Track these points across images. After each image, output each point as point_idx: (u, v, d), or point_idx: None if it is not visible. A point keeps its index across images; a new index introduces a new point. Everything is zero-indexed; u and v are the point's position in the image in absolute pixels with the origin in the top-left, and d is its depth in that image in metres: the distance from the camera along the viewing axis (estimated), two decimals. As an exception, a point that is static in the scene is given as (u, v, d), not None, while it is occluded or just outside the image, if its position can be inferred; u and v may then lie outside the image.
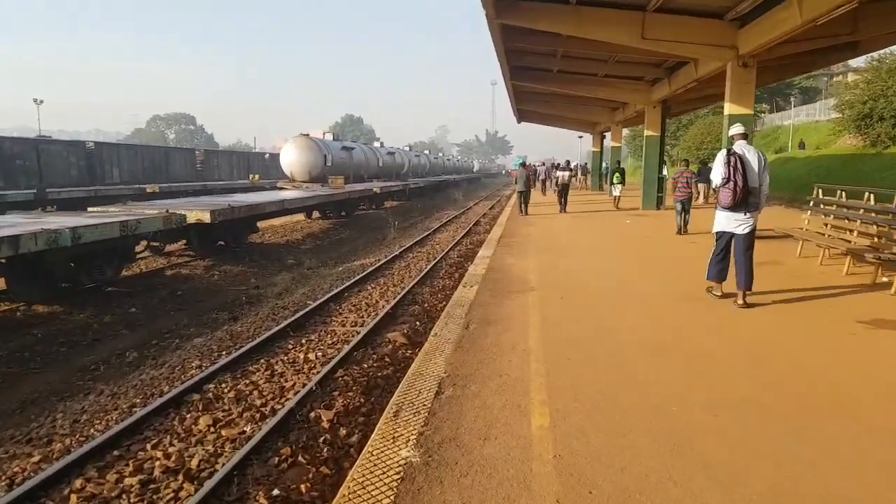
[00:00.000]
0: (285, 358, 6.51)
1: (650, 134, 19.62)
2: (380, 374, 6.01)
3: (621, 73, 18.69)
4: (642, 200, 19.85)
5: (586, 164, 64.86)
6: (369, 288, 10.15)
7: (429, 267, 11.98)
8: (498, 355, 4.81)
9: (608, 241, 12.36)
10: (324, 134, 33.00)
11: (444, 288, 10.43)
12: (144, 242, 12.19)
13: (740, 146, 6.15)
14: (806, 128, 47.14)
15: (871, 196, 7.51)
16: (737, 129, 6.32)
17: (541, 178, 31.30)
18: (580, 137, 48.47)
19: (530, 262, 9.59)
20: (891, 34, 12.00)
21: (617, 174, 20.68)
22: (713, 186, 6.44)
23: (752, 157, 6.05)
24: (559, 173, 20.30)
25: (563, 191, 19.10)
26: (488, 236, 13.86)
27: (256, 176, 40.39)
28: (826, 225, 8.57)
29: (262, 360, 6.38)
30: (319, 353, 6.63)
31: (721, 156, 6.12)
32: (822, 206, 8.96)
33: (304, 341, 7.13)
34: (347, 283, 10.27)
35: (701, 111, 43.54)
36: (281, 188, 28.48)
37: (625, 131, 37.37)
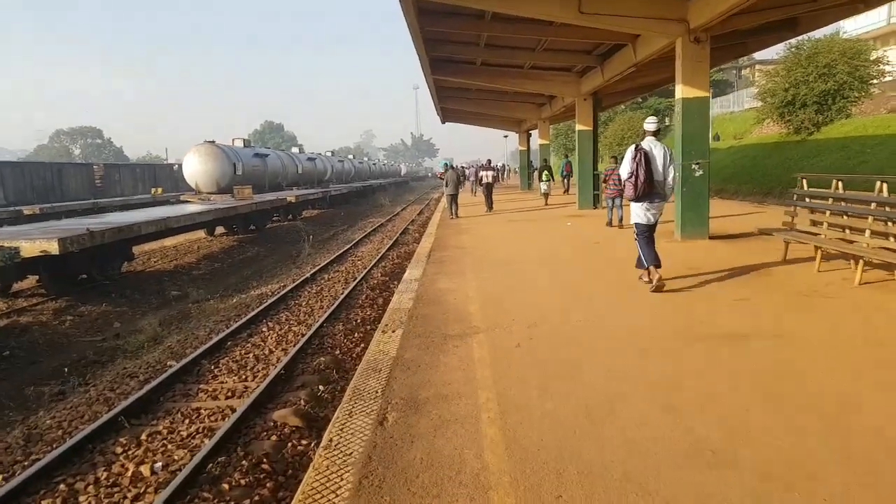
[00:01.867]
0: (104, 475, 4.17)
1: (582, 128, 18.24)
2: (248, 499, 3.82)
3: (549, 64, 17.20)
4: (578, 199, 18.48)
5: (503, 164, 65.11)
6: (264, 330, 7.84)
7: (346, 292, 9.80)
8: (435, 495, 2.76)
9: (554, 248, 10.63)
10: (233, 141, 30.05)
11: (364, 322, 8.29)
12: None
13: (648, 142, 6.46)
14: (721, 119, 48.34)
15: (884, 186, 6.06)
16: (650, 125, 6.61)
17: (470, 179, 29.97)
18: (506, 136, 47.49)
19: (469, 284, 7.63)
20: (838, 7, 11.00)
21: (546, 171, 20.69)
22: (622, 180, 6.65)
23: (658, 152, 6.40)
24: (482, 173, 20.37)
25: (488, 191, 19.19)
26: (417, 248, 11.83)
27: (159, 189, 36.55)
28: (820, 223, 7.12)
29: (60, 485, 4.03)
30: (162, 462, 4.34)
31: (629, 152, 6.42)
32: (807, 199, 7.53)
33: (144, 436, 4.80)
34: (236, 325, 7.92)
35: (619, 107, 43.55)
36: (186, 201, 25.44)
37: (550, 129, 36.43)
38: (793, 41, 24.95)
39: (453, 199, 17.62)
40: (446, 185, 17.79)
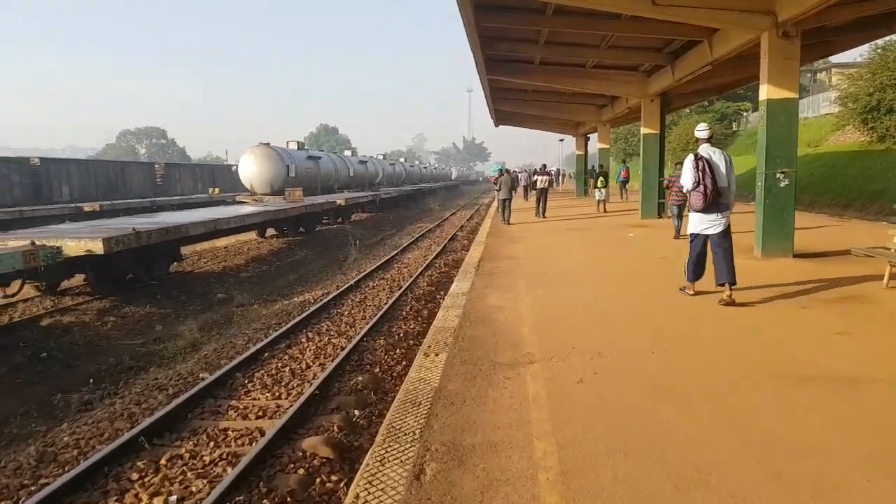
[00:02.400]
0: (113, 507, 3.77)
1: (648, 132, 17.18)
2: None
3: (614, 62, 16.26)
4: (641, 208, 17.44)
5: (559, 168, 63.51)
6: (303, 341, 7.41)
7: (389, 302, 9.31)
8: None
9: (616, 262, 9.81)
10: (287, 143, 30.39)
11: (406, 336, 7.75)
12: (17, 282, 9.28)
13: (705, 149, 6.28)
14: (793, 125, 45.61)
15: None
16: (702, 132, 6.44)
17: (522, 184, 29.09)
18: (561, 140, 46.25)
19: (522, 301, 6.96)
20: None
21: (601, 178, 20.00)
22: (685, 190, 6.50)
23: (718, 159, 6.22)
24: (537, 177, 19.73)
25: (542, 196, 18.74)
26: (466, 257, 11.23)
27: (216, 189, 37.43)
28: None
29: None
30: (178, 494, 3.90)
31: (689, 161, 6.22)
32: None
33: (164, 461, 4.39)
34: (276, 333, 7.53)
35: (683, 111, 41.67)
36: (241, 202, 25.78)
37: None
38: (879, 41, 23.04)
39: (506, 203, 17.12)
40: (499, 190, 17.39)
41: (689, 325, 5.64)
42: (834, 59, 54.24)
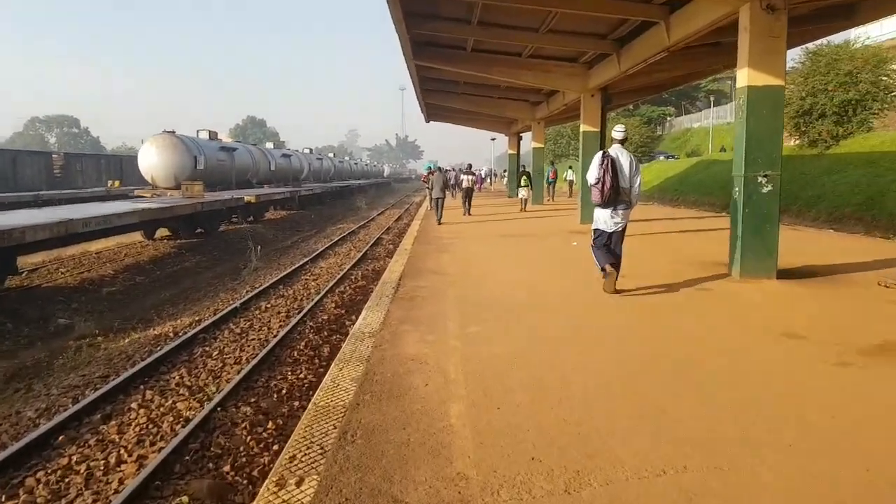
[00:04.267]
0: None
1: (588, 129, 15.65)
2: None
3: (553, 51, 14.64)
4: (581, 212, 15.91)
5: (490, 168, 62.46)
6: (132, 409, 5.04)
7: (281, 334, 7.08)
8: None
9: (566, 279, 8.03)
10: (198, 132, 27.16)
11: (288, 396, 5.57)
12: None
13: (615, 149, 6.50)
14: (718, 130, 46.47)
15: None
16: (617, 134, 6.62)
17: (451, 182, 27.50)
18: (493, 139, 44.99)
19: (450, 348, 4.96)
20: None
21: (524, 177, 20.80)
22: (588, 185, 6.64)
23: (624, 159, 6.43)
24: (462, 177, 20.40)
25: (467, 195, 19.15)
26: (385, 271, 9.15)
27: (116, 182, 33.39)
28: None
29: None
30: None
31: (596, 158, 6.46)
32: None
33: None
34: (96, 394, 5.15)
35: (609, 114, 41.36)
36: (139, 197, 22.52)
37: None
38: (811, 45, 22.82)
39: (439, 202, 16.34)
40: (431, 189, 16.76)
41: (699, 392, 3.81)
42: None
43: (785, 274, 7.57)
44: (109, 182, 35.35)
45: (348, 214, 29.01)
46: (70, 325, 8.23)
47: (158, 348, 6.64)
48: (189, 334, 7.06)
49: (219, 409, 4.96)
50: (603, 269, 6.77)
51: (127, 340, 7.37)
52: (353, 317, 8.18)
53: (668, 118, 59.67)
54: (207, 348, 6.78)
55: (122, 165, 42.59)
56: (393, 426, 3.52)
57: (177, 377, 5.82)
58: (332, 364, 4.72)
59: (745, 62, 7.37)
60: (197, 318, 8.05)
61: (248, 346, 6.90)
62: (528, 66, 15.30)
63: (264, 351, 6.48)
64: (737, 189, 7.65)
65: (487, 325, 5.69)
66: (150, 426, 4.73)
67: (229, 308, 8.35)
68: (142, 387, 5.53)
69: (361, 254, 13.92)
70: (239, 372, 5.90)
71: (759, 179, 7.41)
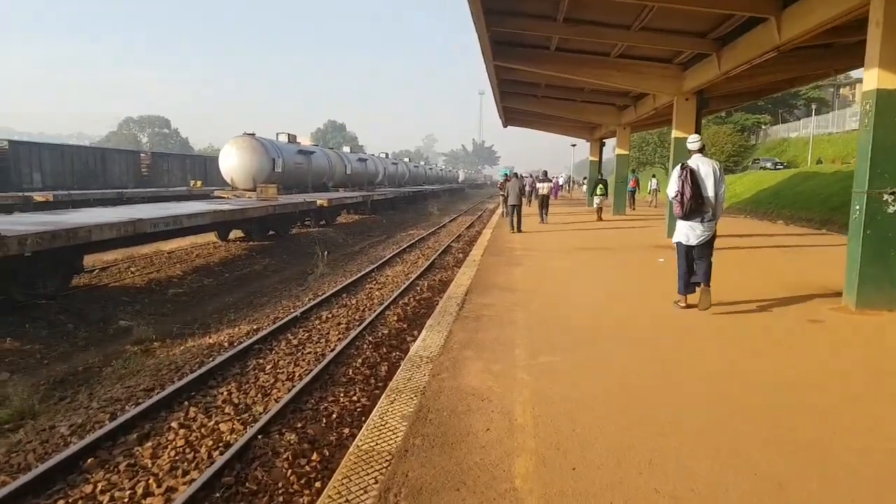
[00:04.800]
0: None
1: (681, 136, 14.39)
2: None
3: (646, 51, 13.57)
4: (668, 225, 14.67)
5: (569, 175, 60.57)
6: (171, 428, 4.68)
7: (339, 348, 6.62)
8: None
9: (654, 301, 7.09)
10: (277, 135, 27.86)
11: (339, 421, 5.05)
12: None
13: (695, 159, 6.28)
14: (819, 140, 42.84)
15: None
16: (693, 144, 6.41)
17: (527, 189, 26.68)
18: (573, 145, 43.53)
19: (518, 383, 4.27)
20: None
21: (600, 186, 20.35)
22: (669, 198, 6.48)
23: (706, 169, 6.19)
24: (538, 185, 20.09)
25: (544, 202, 18.98)
26: (452, 284, 8.57)
27: (198, 182, 34.92)
28: None
29: None
30: None
31: (675, 170, 6.29)
32: None
33: None
34: (134, 411, 4.85)
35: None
36: (218, 197, 23.29)
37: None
38: None
39: (515, 210, 15.71)
40: (506, 196, 16.25)
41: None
42: (856, 73, 51.78)
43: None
44: (192, 182, 37.00)
45: (420, 220, 28.75)
46: (129, 328, 8.17)
47: (211, 359, 6.34)
48: (244, 345, 6.73)
49: (260, 436, 4.49)
50: (682, 292, 6.58)
51: (181, 349, 7.16)
52: (416, 331, 7.62)
53: (763, 127, 55.71)
54: (261, 360, 6.42)
55: (207, 166, 44.61)
56: (445, 486, 2.89)
57: (224, 393, 5.45)
58: (383, 396, 4.15)
59: (875, 62, 6.22)
60: (256, 327, 7.76)
61: (304, 359, 6.48)
62: (616, 66, 14.28)
63: (318, 367, 6.02)
64: (857, 207, 6.48)
65: (562, 356, 4.95)
66: (188, 450, 4.33)
67: (289, 317, 8.02)
68: (187, 403, 5.19)
69: (429, 262, 13.41)
70: (290, 390, 5.45)
71: (886, 197, 6.23)
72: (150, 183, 36.63)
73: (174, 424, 4.73)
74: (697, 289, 6.43)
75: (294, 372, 6.07)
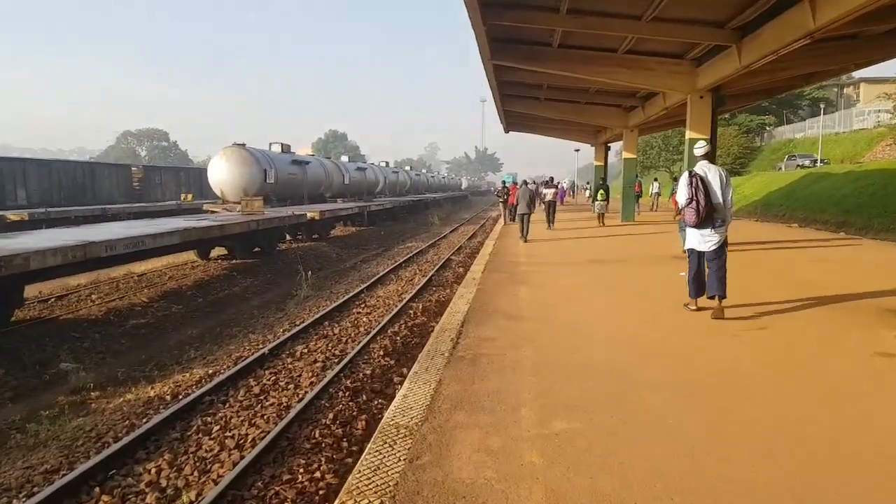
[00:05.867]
0: None
1: (695, 136, 13.22)
2: None
3: (656, 45, 12.45)
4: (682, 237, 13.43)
5: (572, 180, 59.50)
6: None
7: (298, 407, 5.41)
8: None
9: (680, 332, 5.89)
10: (270, 145, 26.84)
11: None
12: None
13: (701, 166, 6.31)
14: (826, 140, 41.61)
15: None
16: (699, 150, 6.41)
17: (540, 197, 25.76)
18: (577, 150, 42.38)
19: (524, 481, 3.08)
20: None
21: (601, 191, 20.25)
22: (680, 207, 6.49)
23: (713, 175, 6.23)
24: (544, 191, 19.96)
25: (550, 208, 18.94)
26: (448, 308, 7.39)
27: (189, 196, 33.79)
28: None
29: None
30: None
31: (684, 177, 6.33)
32: None
33: None
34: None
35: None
36: (208, 210, 22.24)
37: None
38: None
39: (525, 219, 15.19)
40: (516, 203, 15.90)
41: None
42: (858, 74, 50.67)
43: None
44: (182, 195, 35.94)
45: (420, 231, 27.57)
46: (70, 373, 6.98)
47: (145, 420, 5.15)
48: (192, 397, 5.55)
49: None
50: (693, 296, 6.57)
51: (119, 402, 5.95)
52: (405, 368, 6.45)
53: (768, 128, 54.51)
54: (210, 418, 5.23)
55: (202, 179, 43.58)
56: None
57: (152, 470, 4.27)
58: (337, 501, 2.95)
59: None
60: (212, 371, 6.56)
61: (263, 415, 5.29)
62: (624, 63, 13.12)
63: (277, 428, 4.83)
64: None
65: (583, 419, 3.76)
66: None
67: (255, 355, 6.83)
68: (98, 489, 4.00)
69: (426, 279, 12.23)
70: (235, 464, 4.26)
71: None
72: (143, 197, 35.65)
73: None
74: (709, 300, 6.39)
75: (247, 435, 4.88)
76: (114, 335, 8.55)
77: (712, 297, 6.29)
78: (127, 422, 5.23)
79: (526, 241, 14.76)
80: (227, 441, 4.77)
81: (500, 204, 24.80)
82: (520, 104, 21.61)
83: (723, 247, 6.30)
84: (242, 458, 4.41)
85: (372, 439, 3.64)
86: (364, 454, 3.45)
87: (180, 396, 5.77)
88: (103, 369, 7.05)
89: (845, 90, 59.27)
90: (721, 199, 6.18)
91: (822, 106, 41.70)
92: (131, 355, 7.80)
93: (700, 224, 6.15)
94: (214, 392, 5.81)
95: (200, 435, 4.91)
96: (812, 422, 3.70)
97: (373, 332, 7.93)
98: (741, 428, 3.62)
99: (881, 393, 4.19)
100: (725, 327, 6.06)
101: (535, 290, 8.37)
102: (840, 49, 12.23)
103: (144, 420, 5.21)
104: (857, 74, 49.63)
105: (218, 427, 5.03)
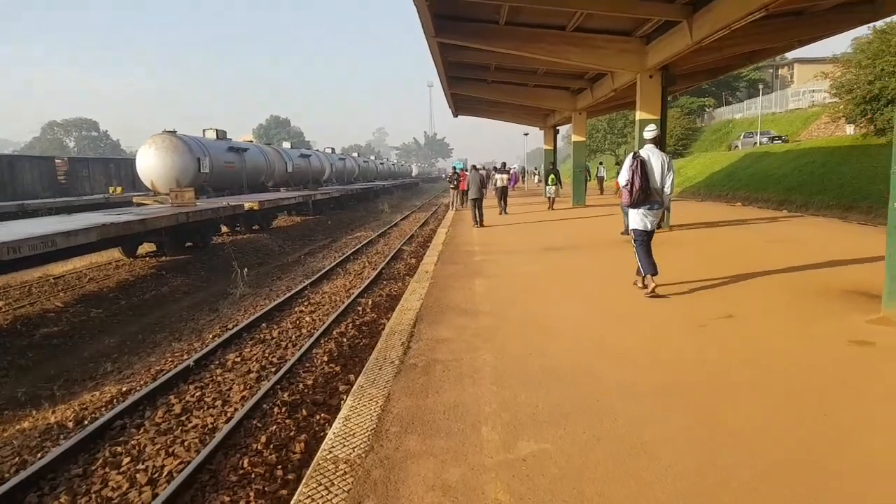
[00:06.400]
0: None
1: (646, 117, 12.99)
2: None
3: (605, 21, 12.11)
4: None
5: (522, 166, 59.57)
6: None
7: (225, 429, 4.70)
8: None
9: (646, 324, 5.49)
10: (204, 132, 25.32)
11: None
12: None
13: (647, 150, 6.41)
14: (764, 120, 42.95)
15: None
16: (648, 133, 6.50)
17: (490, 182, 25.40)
18: (526, 134, 42.22)
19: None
20: None
21: (552, 175, 20.29)
22: (620, 187, 6.59)
23: (655, 160, 6.32)
24: (497, 176, 19.68)
25: (502, 194, 18.72)
26: (398, 307, 6.80)
27: (118, 189, 31.74)
28: None
29: None
30: None
31: (628, 159, 6.38)
32: None
33: None
34: None
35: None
36: (138, 204, 20.74)
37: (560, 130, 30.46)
38: (878, 24, 19.63)
39: (476, 203, 15.25)
40: (467, 188, 15.92)
41: None
42: (792, 55, 52.57)
43: None
44: (111, 188, 33.84)
45: (369, 220, 26.73)
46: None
47: (41, 453, 4.34)
48: (101, 422, 4.75)
49: None
50: (643, 277, 6.59)
51: (13, 430, 5.07)
52: (352, 375, 5.83)
53: (708, 109, 56.04)
54: (119, 448, 4.46)
55: (134, 170, 41.16)
56: None
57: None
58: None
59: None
60: (126, 389, 5.73)
61: (183, 441, 4.56)
62: (573, 41, 12.71)
63: (200, 457, 4.13)
64: (896, 196, 5.07)
65: (553, 438, 3.25)
66: None
67: (179, 367, 6.03)
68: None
69: (377, 272, 11.56)
70: (142, 508, 3.55)
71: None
72: (69, 192, 33.30)
73: None
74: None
75: (163, 466, 4.16)
76: (19, 347, 7.50)
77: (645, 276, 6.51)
78: (17, 458, 4.40)
79: (481, 227, 14.51)
80: (138, 476, 4.03)
81: (451, 190, 24.30)
82: (468, 87, 21.02)
83: (654, 230, 6.54)
84: (155, 496, 3.70)
85: (304, 480, 3.01)
86: (294, 497, 2.82)
87: (86, 422, 4.95)
88: (1, 390, 6.09)
89: (780, 71, 61.47)
90: (659, 184, 6.30)
91: (760, 87, 42.89)
92: (38, 371, 6.82)
93: (633, 205, 6.32)
94: (128, 414, 5.02)
95: (108, 469, 4.15)
96: (812, 426, 3.30)
97: (316, 335, 7.23)
98: (730, 437, 3.18)
99: (869, 386, 3.86)
100: (690, 316, 5.70)
101: (491, 280, 7.86)
102: (787, 24, 12.24)
103: (39, 455, 4.39)
104: (791, 55, 51.40)
105: (129, 458, 4.28)
